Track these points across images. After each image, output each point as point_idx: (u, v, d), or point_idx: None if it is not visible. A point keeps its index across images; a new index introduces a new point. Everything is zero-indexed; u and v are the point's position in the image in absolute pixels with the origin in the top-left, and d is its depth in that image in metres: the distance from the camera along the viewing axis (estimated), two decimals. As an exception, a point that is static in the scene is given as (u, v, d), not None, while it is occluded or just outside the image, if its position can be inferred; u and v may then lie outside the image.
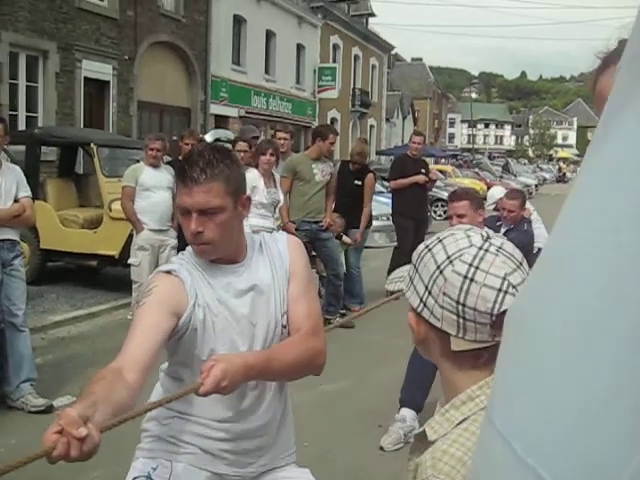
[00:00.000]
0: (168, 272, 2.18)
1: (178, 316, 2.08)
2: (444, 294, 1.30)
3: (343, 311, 8.39)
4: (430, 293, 1.32)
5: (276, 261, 2.30)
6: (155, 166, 7.64)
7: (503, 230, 6.29)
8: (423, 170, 9.77)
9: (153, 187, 7.58)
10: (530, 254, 6.59)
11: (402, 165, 10.13)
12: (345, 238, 8.60)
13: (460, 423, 1.29)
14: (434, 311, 1.32)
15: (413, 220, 9.75)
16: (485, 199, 6.55)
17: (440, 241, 1.35)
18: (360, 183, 8.76)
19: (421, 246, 1.40)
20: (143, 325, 2.02)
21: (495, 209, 7.29)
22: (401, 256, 9.84)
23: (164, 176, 7.69)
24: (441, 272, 1.31)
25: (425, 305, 1.34)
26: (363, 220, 8.75)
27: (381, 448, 4.76)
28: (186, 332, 2.12)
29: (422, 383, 4.81)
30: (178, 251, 7.86)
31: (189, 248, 2.26)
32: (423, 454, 1.30)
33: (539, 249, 7.14)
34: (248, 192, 7.25)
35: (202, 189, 2.08)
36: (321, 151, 8.04)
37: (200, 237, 2.13)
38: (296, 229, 7.76)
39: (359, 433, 5.09)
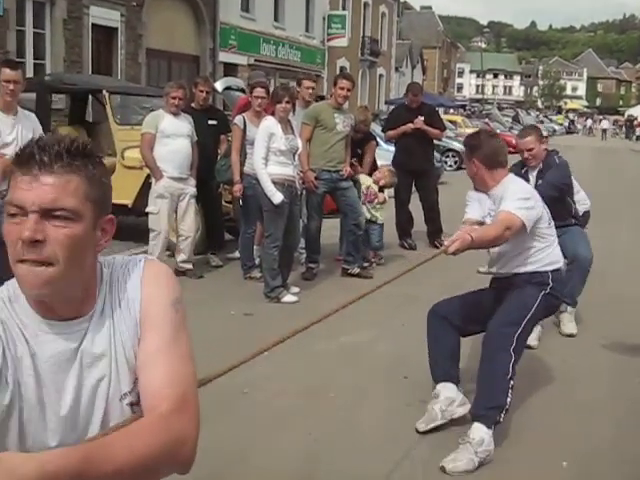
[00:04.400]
0: None
1: None
2: None
3: (366, 264, 8.24)
4: None
5: (121, 309, 1.58)
6: (175, 114, 7.50)
7: (534, 175, 6.00)
8: (422, 117, 9.53)
9: (173, 134, 7.44)
10: (571, 188, 6.31)
11: (396, 116, 10.05)
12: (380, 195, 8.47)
13: None
14: None
15: (410, 171, 9.60)
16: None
17: None
18: (361, 152, 8.64)
19: None
20: None
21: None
22: (398, 208, 9.76)
23: (184, 124, 7.57)
24: None
25: None
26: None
27: (416, 430, 4.28)
28: None
29: (447, 352, 4.45)
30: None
31: (9, 286, 1.56)
32: None
33: (585, 212, 6.89)
34: (264, 140, 7.02)
35: (54, 179, 1.43)
36: (335, 98, 7.91)
37: (36, 250, 1.41)
38: (316, 178, 7.68)
39: (385, 383, 5.01)
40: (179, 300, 1.63)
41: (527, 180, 5.50)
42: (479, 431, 3.91)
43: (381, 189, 8.50)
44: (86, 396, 1.54)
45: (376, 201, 8.42)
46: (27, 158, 1.43)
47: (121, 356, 1.55)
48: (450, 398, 4.31)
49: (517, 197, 4.11)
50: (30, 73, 14.66)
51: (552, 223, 4.43)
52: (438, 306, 4.53)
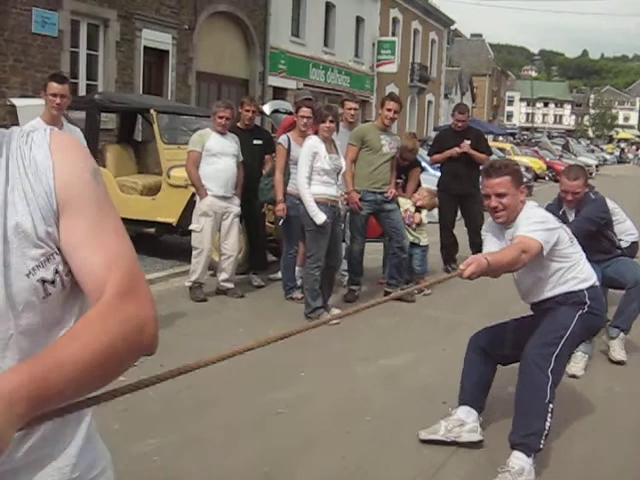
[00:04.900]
0: None
1: None
2: None
3: (406, 285, 8.15)
4: None
5: (27, 176, 1.30)
6: (222, 133, 7.54)
7: (572, 215, 5.91)
8: (468, 141, 9.45)
9: (219, 153, 7.48)
10: (610, 222, 6.20)
11: (440, 140, 10.00)
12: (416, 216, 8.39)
13: None
14: None
15: (455, 195, 9.52)
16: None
17: None
18: (405, 177, 8.58)
19: None
20: None
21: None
22: (442, 231, 9.67)
23: (230, 143, 7.62)
24: None
25: None
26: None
27: (418, 437, 4.30)
28: None
29: (479, 381, 4.38)
30: (241, 220, 7.78)
31: None
32: None
33: (633, 242, 6.74)
34: (308, 159, 6.95)
35: None
36: (381, 119, 7.91)
37: None
38: (360, 199, 7.62)
39: (422, 409, 4.90)
40: (98, 171, 1.37)
41: (565, 221, 5.34)
42: (518, 460, 3.80)
43: (418, 210, 8.41)
44: None
45: (413, 224, 8.35)
46: None
47: (25, 222, 1.28)
48: (461, 420, 4.26)
49: (532, 221, 4.02)
50: (83, 94, 14.91)
51: (575, 241, 4.32)
52: (478, 336, 4.48)
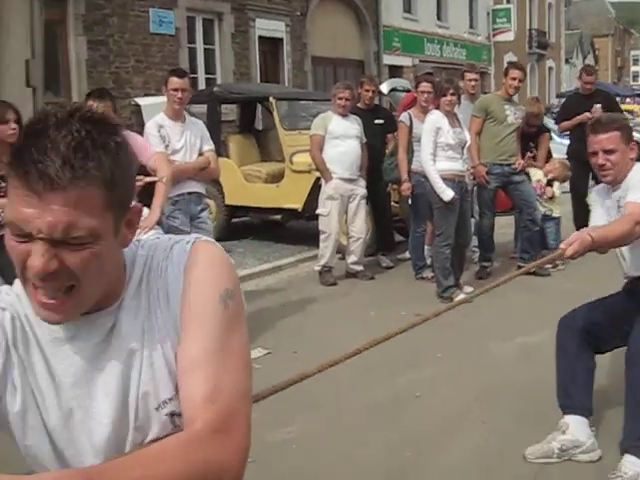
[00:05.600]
0: None
1: None
2: None
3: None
4: None
5: (159, 302, 1.29)
6: (344, 115, 7.48)
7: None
8: (599, 105, 8.93)
9: (342, 136, 7.43)
10: None
11: (568, 105, 9.58)
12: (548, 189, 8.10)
13: None
14: None
15: (587, 163, 9.03)
16: None
17: None
18: (534, 145, 8.23)
19: None
20: None
21: None
22: (575, 201, 9.23)
23: (353, 125, 7.56)
24: None
25: None
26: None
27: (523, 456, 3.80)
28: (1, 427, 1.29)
29: (581, 378, 3.81)
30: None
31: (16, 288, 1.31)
32: None
33: None
34: (431, 135, 6.78)
35: (64, 199, 1.11)
36: (505, 88, 7.67)
37: (50, 279, 1.15)
38: (487, 172, 7.42)
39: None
40: (231, 293, 1.28)
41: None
42: (633, 465, 3.38)
43: (549, 182, 8.09)
44: (115, 404, 1.27)
45: (545, 196, 8.04)
46: (24, 163, 1.11)
47: (158, 356, 1.26)
48: (577, 442, 3.72)
49: None
50: (203, 87, 15.21)
51: None
52: (571, 318, 3.90)
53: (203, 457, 1.14)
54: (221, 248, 1.36)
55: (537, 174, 8.04)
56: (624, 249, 3.74)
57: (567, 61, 44.76)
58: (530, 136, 8.12)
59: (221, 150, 8.89)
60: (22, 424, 1.25)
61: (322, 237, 7.56)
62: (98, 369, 1.27)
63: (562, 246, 3.17)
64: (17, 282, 1.26)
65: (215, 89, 10.48)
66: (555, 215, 8.12)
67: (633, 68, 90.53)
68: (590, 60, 51.26)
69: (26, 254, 1.13)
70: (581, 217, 9.29)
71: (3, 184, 4.98)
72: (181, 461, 1.12)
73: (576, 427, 3.73)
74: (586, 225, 9.58)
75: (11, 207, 1.13)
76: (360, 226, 7.63)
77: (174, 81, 5.66)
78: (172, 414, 1.27)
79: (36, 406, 1.26)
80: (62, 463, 1.28)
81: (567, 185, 9.08)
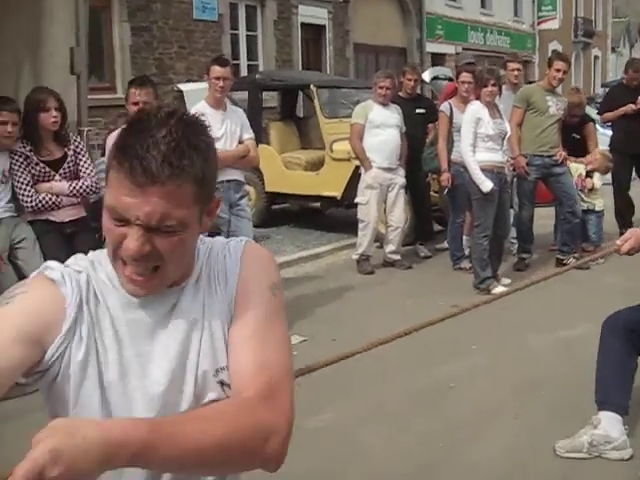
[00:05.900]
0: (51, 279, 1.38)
1: (42, 347, 1.31)
2: None
3: (576, 254, 7.74)
4: None
5: (218, 283, 1.45)
6: (384, 104, 7.48)
7: None
8: None
9: (382, 125, 7.44)
10: None
11: (612, 96, 9.42)
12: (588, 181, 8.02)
13: None
14: None
15: (630, 155, 8.94)
16: None
17: None
18: (579, 137, 8.11)
19: None
20: None
21: None
22: (617, 194, 9.11)
23: (393, 114, 7.55)
24: None
25: None
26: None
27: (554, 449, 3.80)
28: (57, 377, 1.35)
29: (621, 378, 3.76)
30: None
31: (99, 255, 1.46)
32: None
33: None
34: (471, 126, 6.78)
35: (162, 192, 1.25)
36: (548, 79, 7.59)
37: (144, 263, 1.31)
38: (527, 163, 7.36)
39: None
40: (277, 285, 1.48)
41: None
42: None
43: (589, 174, 8.00)
44: (174, 366, 1.39)
45: (585, 189, 7.96)
46: (130, 158, 1.24)
47: (217, 327, 1.41)
48: (608, 437, 3.69)
49: None
50: (245, 74, 15.28)
51: None
52: (616, 317, 3.88)
53: (254, 419, 1.25)
54: (268, 250, 1.58)
55: (579, 168, 7.96)
56: None
57: (614, 50, 43.95)
58: (573, 127, 8.03)
59: (262, 137, 8.94)
60: (81, 374, 1.35)
61: (360, 226, 7.58)
62: (161, 333, 1.40)
63: (618, 242, 3.22)
64: (89, 253, 1.46)
65: (257, 76, 10.52)
66: (597, 209, 8.04)
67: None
68: (638, 49, 50.31)
69: (122, 236, 1.29)
70: (622, 210, 9.20)
71: (47, 169, 5.07)
72: (234, 421, 1.23)
73: (609, 423, 3.70)
74: (626, 218, 9.44)
75: (114, 194, 1.27)
76: (399, 215, 7.64)
77: (216, 70, 5.71)
78: (223, 383, 1.40)
79: (97, 359, 1.37)
80: (106, 413, 1.38)
81: (608, 177, 8.98)
